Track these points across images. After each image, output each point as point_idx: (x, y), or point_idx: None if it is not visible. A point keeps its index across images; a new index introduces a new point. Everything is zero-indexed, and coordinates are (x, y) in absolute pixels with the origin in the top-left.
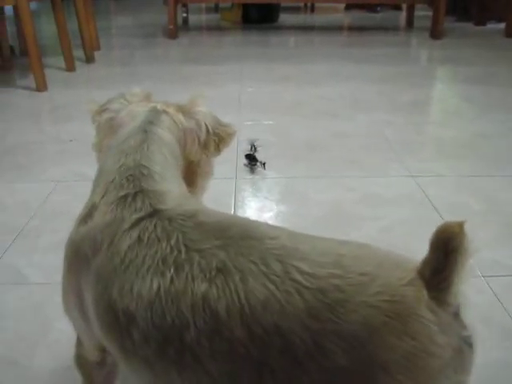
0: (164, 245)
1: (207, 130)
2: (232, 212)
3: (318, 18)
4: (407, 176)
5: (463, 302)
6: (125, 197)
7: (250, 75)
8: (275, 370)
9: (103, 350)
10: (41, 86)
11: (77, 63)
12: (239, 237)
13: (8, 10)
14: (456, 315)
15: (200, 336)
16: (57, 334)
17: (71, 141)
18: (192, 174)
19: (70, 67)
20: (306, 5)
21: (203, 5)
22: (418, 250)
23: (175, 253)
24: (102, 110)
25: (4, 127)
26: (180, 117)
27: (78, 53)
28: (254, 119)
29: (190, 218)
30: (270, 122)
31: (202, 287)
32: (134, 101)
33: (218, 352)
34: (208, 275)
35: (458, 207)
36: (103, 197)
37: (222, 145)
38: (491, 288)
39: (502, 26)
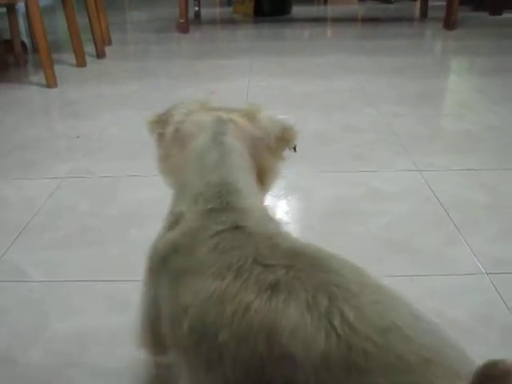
0: (235, 253)
1: (275, 137)
2: None
3: (331, 10)
4: (414, 170)
5: None
6: (212, 210)
7: (262, 69)
8: None
9: (164, 346)
10: (51, 83)
11: (88, 58)
12: (306, 263)
13: (21, 6)
14: None
15: (230, 340)
16: (55, 331)
17: (78, 137)
18: (261, 177)
19: (81, 63)
20: None
21: None
22: (422, 246)
23: (241, 262)
24: (163, 120)
25: (13, 123)
26: (248, 125)
27: (89, 48)
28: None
29: (268, 238)
30: (279, 117)
31: (249, 297)
32: (194, 110)
33: (238, 359)
34: (259, 288)
35: (463, 202)
36: (191, 207)
37: (289, 147)
38: (495, 286)
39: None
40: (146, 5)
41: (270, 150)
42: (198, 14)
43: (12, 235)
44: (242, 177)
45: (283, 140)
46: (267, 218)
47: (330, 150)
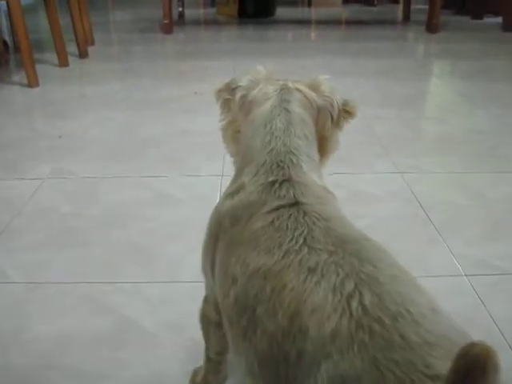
0: (288, 233)
1: (338, 107)
2: None
3: (315, 12)
4: (395, 173)
5: None
6: (272, 183)
7: (243, 70)
8: (289, 373)
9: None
10: (32, 82)
11: (70, 58)
12: (348, 251)
13: (3, 5)
14: None
15: (264, 314)
16: (36, 333)
17: (60, 137)
18: (322, 147)
19: (63, 62)
20: None
21: None
22: (402, 248)
23: (292, 242)
24: (229, 87)
25: None
26: (313, 95)
27: (72, 48)
28: None
29: (323, 220)
30: None
31: (288, 276)
32: (261, 79)
33: (266, 332)
34: (300, 269)
35: (444, 204)
36: (252, 178)
37: (350, 119)
38: (474, 288)
39: (500, 19)
40: (129, 5)
41: (333, 119)
42: (181, 15)
43: None
44: (306, 146)
45: (344, 111)
46: (325, 195)
47: None
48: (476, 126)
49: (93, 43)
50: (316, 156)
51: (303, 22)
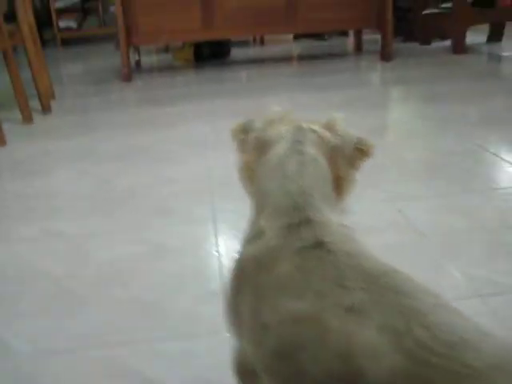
0: (317, 274)
1: (353, 146)
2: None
3: (268, 50)
4: (386, 201)
5: None
6: (291, 225)
7: (209, 112)
8: None
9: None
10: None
11: (33, 114)
12: (382, 286)
13: None
14: None
15: (308, 361)
16: None
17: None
18: (338, 186)
19: (27, 119)
20: (254, 38)
21: (154, 46)
22: (412, 274)
23: (323, 283)
24: (245, 128)
25: None
26: (327, 134)
27: (34, 103)
28: (215, 157)
29: (349, 256)
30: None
31: (327, 319)
32: (276, 120)
33: (315, 380)
34: (337, 310)
35: (441, 228)
36: (271, 222)
37: (365, 158)
38: (489, 307)
39: (446, 43)
40: (79, 57)
41: (347, 159)
42: (138, 63)
43: None
44: (321, 188)
45: (360, 150)
46: (346, 232)
47: None
48: (449, 148)
49: (53, 97)
50: (332, 195)
51: (258, 61)
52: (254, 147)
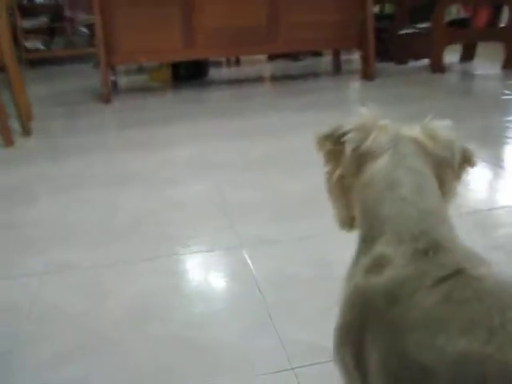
0: (476, 306)
1: (460, 157)
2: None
3: (244, 70)
4: (235, 247)
5: None
6: (424, 252)
7: (192, 135)
8: None
9: None
10: None
11: (14, 136)
12: None
13: None
14: None
15: None
16: None
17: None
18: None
19: (8, 142)
20: (228, 59)
21: (131, 66)
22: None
23: (488, 316)
24: (333, 137)
25: None
26: (431, 145)
27: (13, 125)
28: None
29: (501, 283)
30: (226, 181)
31: (509, 354)
32: (369, 126)
33: None
34: None
35: (284, 279)
36: (396, 248)
37: (469, 168)
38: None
39: (422, 62)
40: (48, 79)
41: (454, 170)
42: (115, 84)
43: (6, 355)
44: (439, 207)
45: (465, 160)
46: (477, 255)
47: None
48: None
49: (32, 118)
50: (448, 214)
51: (234, 82)
52: (350, 160)
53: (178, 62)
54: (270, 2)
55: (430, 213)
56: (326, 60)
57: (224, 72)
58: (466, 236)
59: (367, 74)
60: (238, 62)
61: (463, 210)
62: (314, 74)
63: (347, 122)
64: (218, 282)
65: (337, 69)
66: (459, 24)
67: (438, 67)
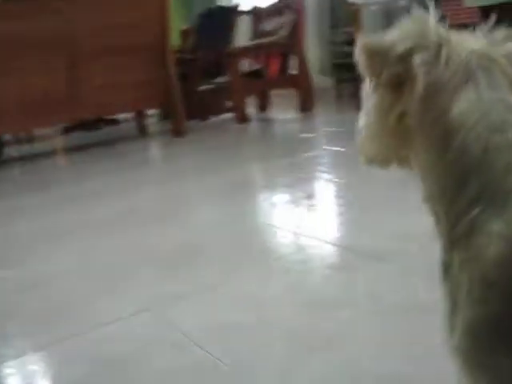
0: None
1: None
2: None
3: (41, 146)
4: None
5: None
6: None
7: None
8: None
9: None
10: None
11: None
12: None
13: None
14: None
15: None
16: None
17: None
18: None
19: None
20: (18, 137)
21: None
22: None
23: None
24: (386, 52)
25: None
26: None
27: None
28: None
29: None
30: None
31: None
32: (432, 38)
33: None
34: None
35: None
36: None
37: None
38: None
39: (221, 117)
40: None
41: None
42: None
43: None
44: None
45: None
46: None
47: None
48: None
49: None
50: None
51: (33, 157)
52: (423, 92)
53: None
54: (68, 67)
55: None
56: (129, 125)
57: (21, 150)
58: None
59: (178, 132)
60: (30, 140)
61: None
62: (124, 138)
63: (402, 30)
64: None
65: (142, 132)
66: (254, 75)
67: (242, 118)
